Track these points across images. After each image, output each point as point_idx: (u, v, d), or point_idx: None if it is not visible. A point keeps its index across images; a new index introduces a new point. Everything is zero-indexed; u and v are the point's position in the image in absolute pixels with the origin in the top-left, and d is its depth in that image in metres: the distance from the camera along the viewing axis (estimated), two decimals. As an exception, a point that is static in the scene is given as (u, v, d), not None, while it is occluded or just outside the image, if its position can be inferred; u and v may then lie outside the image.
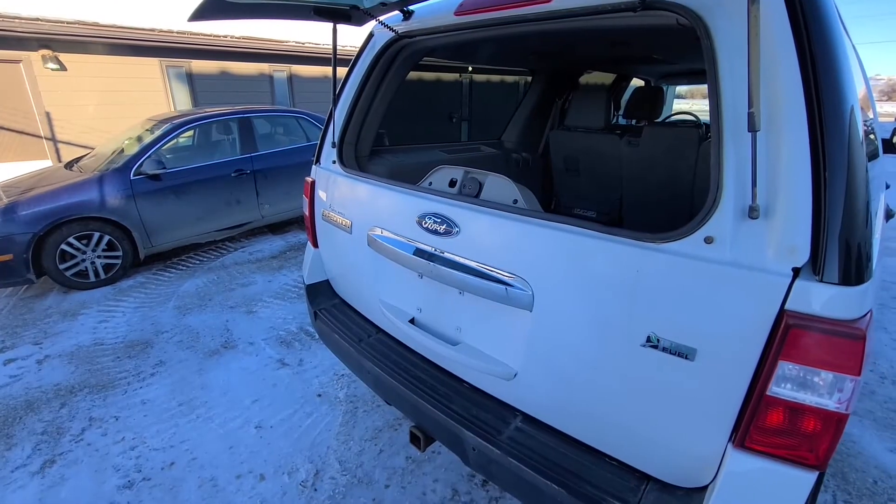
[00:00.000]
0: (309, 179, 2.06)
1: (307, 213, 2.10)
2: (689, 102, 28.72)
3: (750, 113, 0.83)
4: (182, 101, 7.96)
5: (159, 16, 7.53)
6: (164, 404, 2.49)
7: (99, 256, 3.96)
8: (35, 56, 6.40)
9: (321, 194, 2.00)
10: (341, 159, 1.95)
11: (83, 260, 3.87)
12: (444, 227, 1.40)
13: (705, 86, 1.10)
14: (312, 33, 9.31)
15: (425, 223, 1.45)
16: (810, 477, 0.91)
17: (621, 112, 3.57)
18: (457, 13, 1.55)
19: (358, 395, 2.56)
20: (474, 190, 1.53)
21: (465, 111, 10.49)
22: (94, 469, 2.06)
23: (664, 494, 1.10)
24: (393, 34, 1.79)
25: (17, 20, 6.01)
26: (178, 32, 7.49)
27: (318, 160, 2.05)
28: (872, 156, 1.31)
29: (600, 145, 2.88)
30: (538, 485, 1.18)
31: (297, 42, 9.00)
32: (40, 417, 2.39)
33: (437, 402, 1.45)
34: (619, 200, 3.06)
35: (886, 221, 1.98)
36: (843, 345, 0.83)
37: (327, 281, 2.20)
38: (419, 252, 1.49)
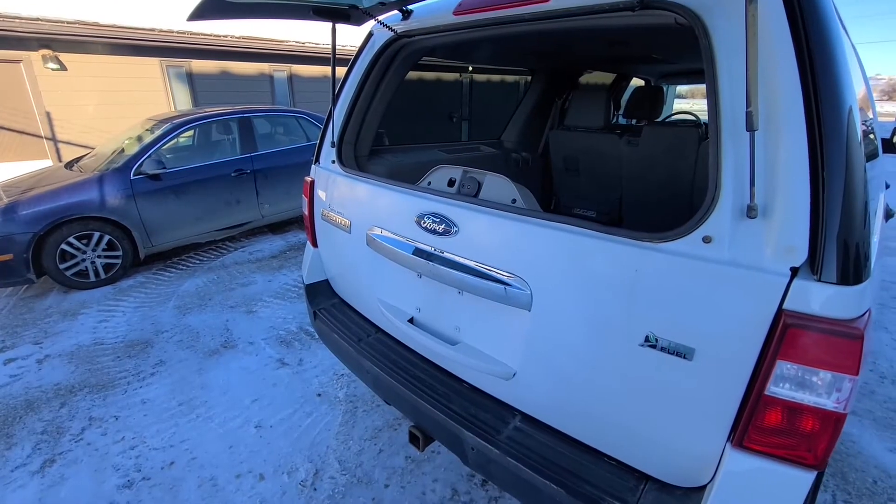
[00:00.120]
0: (308, 179, 2.06)
1: (306, 213, 2.10)
2: (689, 102, 28.69)
3: (748, 112, 0.83)
4: (182, 101, 7.96)
5: (159, 16, 7.54)
6: (164, 404, 2.49)
7: (99, 256, 3.96)
8: (35, 56, 6.41)
9: (320, 194, 2.00)
10: (340, 159, 1.95)
11: (83, 260, 3.87)
12: (442, 226, 1.40)
13: (705, 85, 1.10)
14: (312, 33, 9.32)
15: (424, 223, 1.45)
16: (809, 476, 0.91)
17: (621, 112, 3.57)
18: (455, 13, 1.55)
19: (357, 394, 2.56)
20: (473, 189, 1.53)
21: (465, 111, 10.49)
22: (93, 468, 2.07)
23: (663, 494, 1.10)
24: (392, 34, 1.79)
25: (17, 20, 6.01)
26: (178, 32, 7.49)
27: (317, 160, 2.05)
28: (871, 155, 1.30)
29: (600, 145, 2.88)
30: (537, 484, 1.18)
31: (297, 42, 9.00)
32: (40, 417, 2.39)
33: (436, 401, 1.45)
34: (618, 200, 3.06)
35: (886, 221, 1.98)
36: (842, 344, 0.83)
37: (327, 280, 2.20)
38: (418, 252, 1.49)
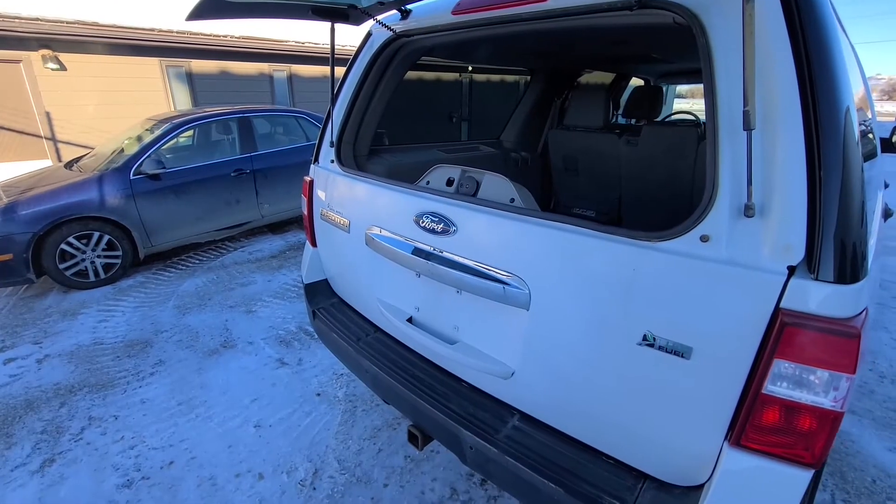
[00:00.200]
0: (307, 179, 2.06)
1: (306, 213, 2.10)
2: (689, 102, 28.70)
3: (745, 111, 0.83)
4: (182, 101, 7.96)
5: (159, 16, 7.54)
6: (164, 403, 2.49)
7: (99, 256, 3.96)
8: (35, 56, 6.41)
9: (319, 194, 2.00)
10: (339, 159, 1.95)
11: (83, 259, 3.87)
12: (441, 226, 1.40)
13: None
14: (312, 33, 9.31)
15: (423, 222, 1.45)
16: (806, 475, 0.91)
17: (620, 111, 3.57)
18: (454, 12, 1.55)
19: (357, 394, 2.56)
20: (471, 189, 1.53)
21: (464, 111, 10.49)
22: (93, 468, 2.07)
23: (661, 493, 1.10)
24: (391, 33, 1.79)
25: (17, 20, 6.01)
26: (178, 32, 7.49)
27: (316, 159, 2.05)
28: (869, 155, 1.31)
29: (599, 145, 2.88)
30: (535, 483, 1.18)
31: (296, 42, 9.00)
32: (40, 416, 2.39)
33: (435, 401, 1.45)
34: (618, 200, 3.06)
35: (885, 220, 1.98)
36: (838, 343, 0.83)
37: (326, 280, 2.20)
38: (417, 251, 1.49)
